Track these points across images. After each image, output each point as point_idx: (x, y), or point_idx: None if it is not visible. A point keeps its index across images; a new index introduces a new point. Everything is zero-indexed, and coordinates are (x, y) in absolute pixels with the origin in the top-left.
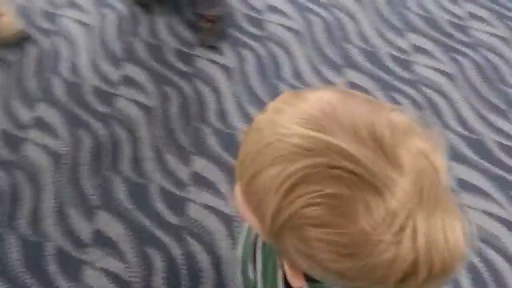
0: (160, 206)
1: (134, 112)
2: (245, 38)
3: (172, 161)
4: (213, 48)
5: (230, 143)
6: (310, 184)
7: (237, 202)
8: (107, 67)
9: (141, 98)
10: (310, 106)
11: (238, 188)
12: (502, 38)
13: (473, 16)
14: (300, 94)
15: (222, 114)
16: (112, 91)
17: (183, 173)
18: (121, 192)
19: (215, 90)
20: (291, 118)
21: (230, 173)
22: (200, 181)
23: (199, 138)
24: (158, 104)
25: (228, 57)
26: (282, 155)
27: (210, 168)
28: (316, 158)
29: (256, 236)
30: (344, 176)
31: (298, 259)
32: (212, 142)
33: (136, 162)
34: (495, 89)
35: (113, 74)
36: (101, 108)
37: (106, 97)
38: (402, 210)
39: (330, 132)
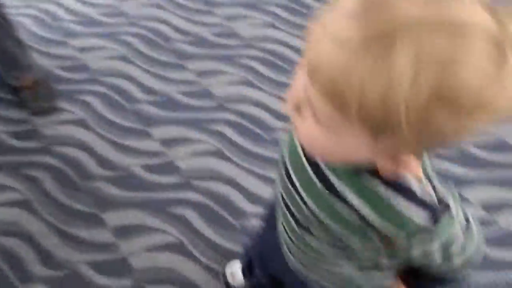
0: (99, 279)
1: (12, 215)
2: (77, 86)
3: (86, 232)
4: (50, 110)
5: (129, 181)
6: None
7: (330, 138)
8: None
9: (9, 197)
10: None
11: (365, 143)
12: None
13: None
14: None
15: (103, 161)
16: None
17: (103, 235)
18: None
19: (82, 145)
20: (341, 18)
21: (149, 206)
22: (126, 231)
23: (98, 195)
24: (32, 192)
25: (73, 111)
26: (379, 54)
27: (128, 214)
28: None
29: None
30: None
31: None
32: (113, 191)
33: (47, 258)
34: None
35: None
36: None
37: None
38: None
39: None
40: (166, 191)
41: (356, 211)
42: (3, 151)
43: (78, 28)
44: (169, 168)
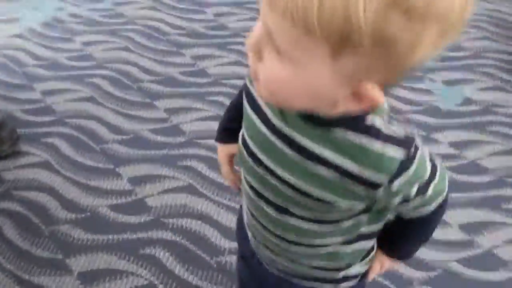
0: None
1: None
2: (42, 129)
3: (49, 280)
4: (13, 154)
5: (96, 223)
6: None
7: (297, 74)
8: None
9: None
10: None
11: (328, 71)
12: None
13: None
14: None
15: (68, 203)
16: None
17: (69, 282)
18: None
19: (45, 188)
20: None
21: (117, 248)
22: (94, 276)
23: (62, 239)
24: None
25: (37, 154)
26: None
27: (95, 258)
28: None
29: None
30: None
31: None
32: (79, 234)
33: None
34: None
35: None
36: None
37: None
38: None
39: None
40: (136, 231)
41: (334, 167)
42: None
43: (43, 72)
44: (139, 207)
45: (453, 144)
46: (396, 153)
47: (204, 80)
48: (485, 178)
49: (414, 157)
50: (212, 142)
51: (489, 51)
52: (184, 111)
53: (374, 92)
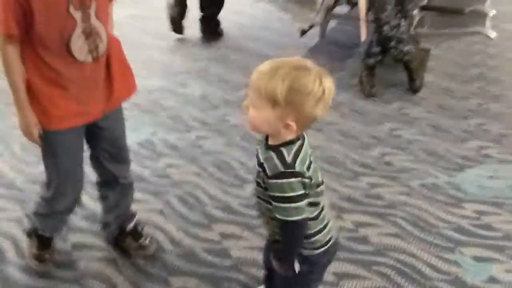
0: None
1: None
2: None
3: None
4: None
5: None
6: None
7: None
8: None
9: None
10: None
11: (271, 114)
12: None
13: None
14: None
15: None
16: None
17: None
18: None
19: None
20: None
21: None
22: None
23: None
24: None
25: None
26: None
27: None
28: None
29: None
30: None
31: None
32: None
33: None
34: None
35: None
36: None
37: None
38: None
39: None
40: None
41: (264, 167)
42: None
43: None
44: None
45: None
46: (280, 167)
47: None
48: None
49: (284, 177)
50: (253, 270)
51: None
52: (235, 237)
53: (293, 125)
